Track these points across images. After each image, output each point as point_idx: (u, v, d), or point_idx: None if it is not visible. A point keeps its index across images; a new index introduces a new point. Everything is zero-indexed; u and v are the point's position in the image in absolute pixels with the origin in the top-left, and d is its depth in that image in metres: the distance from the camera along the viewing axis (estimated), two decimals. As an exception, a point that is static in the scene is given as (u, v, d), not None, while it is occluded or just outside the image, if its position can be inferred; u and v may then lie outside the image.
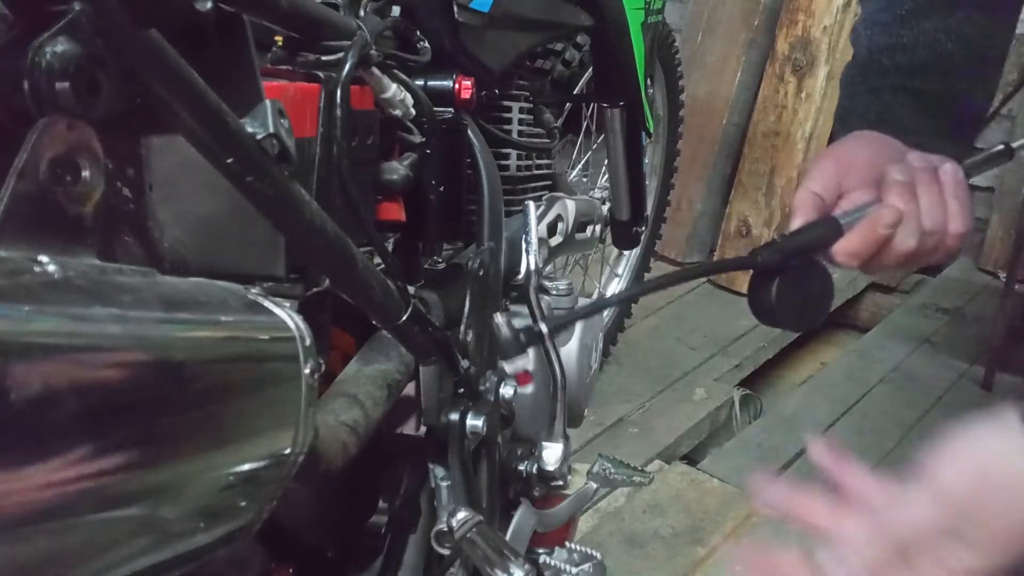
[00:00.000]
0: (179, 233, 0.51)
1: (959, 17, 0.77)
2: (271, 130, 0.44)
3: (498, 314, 0.69)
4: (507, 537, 0.85)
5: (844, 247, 0.68)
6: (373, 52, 0.64)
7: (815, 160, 0.77)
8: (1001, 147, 0.74)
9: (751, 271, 0.70)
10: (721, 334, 2.40)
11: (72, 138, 0.37)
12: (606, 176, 1.66)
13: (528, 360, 0.73)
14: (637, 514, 1.66)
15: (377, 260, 0.63)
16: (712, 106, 2.75)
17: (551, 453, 0.88)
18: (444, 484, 0.72)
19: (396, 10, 0.74)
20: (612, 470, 1.01)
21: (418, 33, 0.75)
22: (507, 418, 0.82)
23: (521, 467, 0.88)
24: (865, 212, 0.68)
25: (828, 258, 0.69)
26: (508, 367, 0.72)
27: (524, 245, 0.87)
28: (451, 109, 0.78)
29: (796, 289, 0.69)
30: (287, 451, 0.45)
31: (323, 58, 0.61)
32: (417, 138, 0.74)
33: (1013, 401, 0.53)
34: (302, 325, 0.46)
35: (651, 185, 2.05)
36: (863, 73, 0.81)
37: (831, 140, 0.81)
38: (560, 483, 0.89)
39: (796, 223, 0.69)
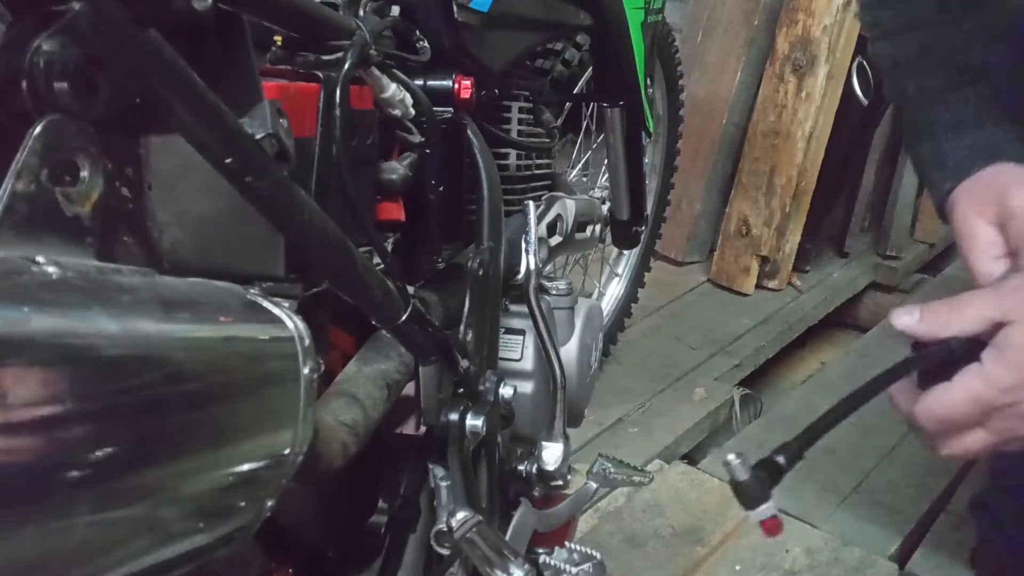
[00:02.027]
0: (178, 233, 0.51)
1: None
2: (270, 130, 0.44)
3: (731, 456, 0.58)
4: (507, 537, 0.84)
5: None
6: (372, 52, 0.63)
7: (965, 222, 0.68)
8: None
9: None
10: (721, 333, 2.40)
11: (71, 138, 0.37)
12: (606, 176, 1.66)
13: (771, 506, 0.58)
14: (637, 514, 1.66)
15: (376, 260, 0.63)
16: (712, 106, 2.75)
17: (551, 453, 0.88)
18: (444, 484, 0.72)
19: (395, 10, 0.74)
20: (612, 470, 1.01)
21: (417, 33, 0.75)
22: (507, 418, 0.82)
23: (521, 467, 0.88)
24: None
25: None
26: (754, 515, 0.58)
27: (524, 245, 0.87)
28: (451, 109, 0.78)
29: None
30: (286, 451, 0.45)
31: (322, 58, 0.61)
32: (416, 138, 0.74)
33: None
34: (301, 325, 0.46)
35: (651, 185, 2.05)
36: (947, 108, 0.76)
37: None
38: (560, 483, 0.89)
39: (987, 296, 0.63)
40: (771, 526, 0.58)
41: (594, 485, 1.00)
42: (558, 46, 1.48)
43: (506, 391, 0.79)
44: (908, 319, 0.63)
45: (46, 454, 0.31)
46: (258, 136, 0.43)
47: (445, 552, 0.70)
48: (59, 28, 0.36)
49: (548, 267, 1.07)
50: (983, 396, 0.59)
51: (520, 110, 1.06)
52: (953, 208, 0.71)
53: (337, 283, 0.56)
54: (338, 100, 0.58)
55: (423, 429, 0.74)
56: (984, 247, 0.66)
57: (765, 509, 0.58)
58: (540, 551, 0.95)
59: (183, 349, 0.38)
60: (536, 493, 0.90)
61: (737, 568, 1.54)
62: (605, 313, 2.10)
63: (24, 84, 0.36)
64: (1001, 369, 0.58)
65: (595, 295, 2.09)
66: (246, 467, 0.43)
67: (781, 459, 0.58)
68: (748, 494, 0.58)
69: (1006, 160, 0.70)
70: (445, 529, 0.69)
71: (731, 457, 0.58)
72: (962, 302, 0.61)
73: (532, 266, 0.86)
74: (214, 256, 0.53)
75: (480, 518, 0.69)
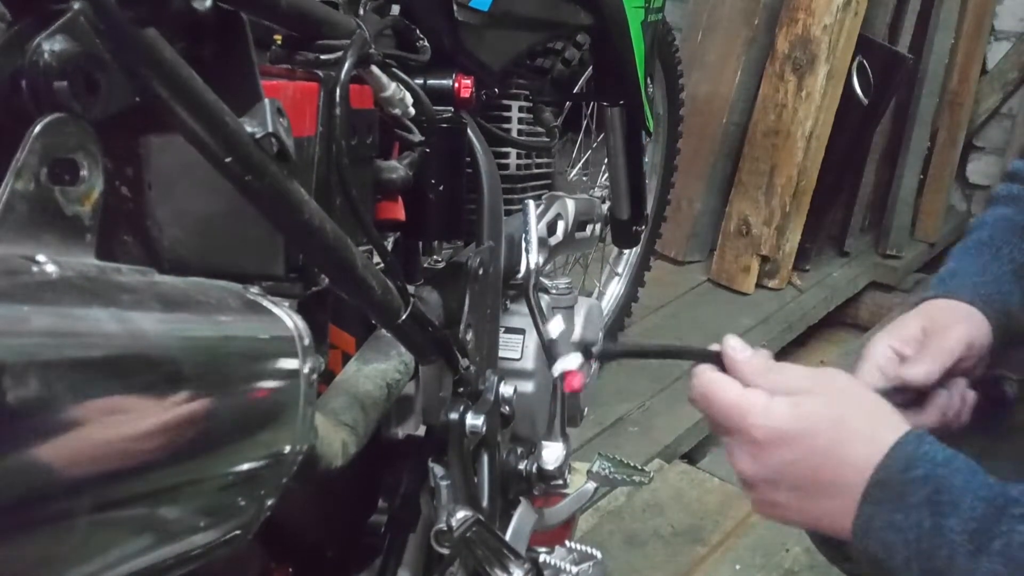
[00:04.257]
0: (178, 232, 0.51)
1: None
2: (270, 129, 0.44)
3: (552, 325, 0.73)
4: (507, 536, 0.84)
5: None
6: (372, 51, 0.63)
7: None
8: None
9: None
10: (721, 333, 2.38)
11: (70, 137, 0.37)
12: (606, 175, 1.66)
13: (573, 364, 0.70)
14: (637, 513, 1.66)
15: (376, 259, 0.63)
16: (712, 105, 2.75)
17: (551, 452, 0.88)
18: (444, 483, 0.72)
19: (396, 9, 0.74)
20: (612, 469, 1.01)
21: (418, 32, 0.75)
22: (507, 417, 0.82)
23: (521, 466, 0.88)
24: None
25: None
26: (555, 368, 0.71)
27: (524, 244, 0.87)
28: (451, 108, 0.78)
29: None
30: (286, 450, 0.45)
31: (322, 57, 0.61)
32: (417, 137, 0.74)
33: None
34: (301, 324, 0.46)
35: (651, 184, 2.05)
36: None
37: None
38: (560, 482, 0.89)
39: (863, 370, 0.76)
40: (569, 379, 0.69)
41: (594, 484, 1.00)
42: (558, 45, 1.48)
43: (506, 390, 0.79)
44: (733, 352, 0.70)
45: (45, 453, 0.31)
46: (258, 135, 0.43)
47: (445, 551, 0.70)
48: (59, 27, 0.36)
49: (548, 266, 1.07)
50: (731, 418, 0.62)
51: (520, 109, 1.06)
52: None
53: (337, 282, 0.56)
54: (338, 99, 0.58)
55: (423, 428, 0.74)
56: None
57: (565, 364, 0.69)
58: (540, 550, 0.95)
59: (183, 348, 0.38)
60: (536, 492, 0.90)
61: (737, 568, 1.54)
62: (605, 312, 2.10)
63: (24, 83, 0.36)
64: (764, 424, 0.61)
65: (595, 294, 2.09)
66: (246, 466, 0.43)
67: (596, 349, 0.70)
68: (552, 353, 0.72)
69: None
70: (445, 528, 0.69)
71: (551, 325, 0.73)
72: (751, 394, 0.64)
73: (532, 265, 0.86)
74: (214, 255, 0.53)
75: (480, 517, 0.69)
